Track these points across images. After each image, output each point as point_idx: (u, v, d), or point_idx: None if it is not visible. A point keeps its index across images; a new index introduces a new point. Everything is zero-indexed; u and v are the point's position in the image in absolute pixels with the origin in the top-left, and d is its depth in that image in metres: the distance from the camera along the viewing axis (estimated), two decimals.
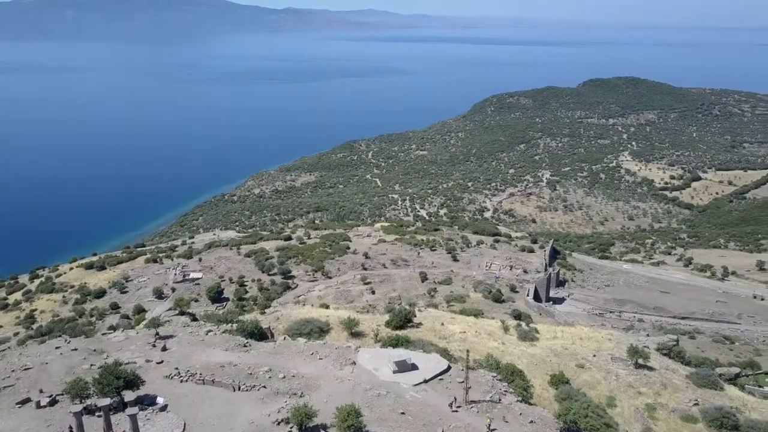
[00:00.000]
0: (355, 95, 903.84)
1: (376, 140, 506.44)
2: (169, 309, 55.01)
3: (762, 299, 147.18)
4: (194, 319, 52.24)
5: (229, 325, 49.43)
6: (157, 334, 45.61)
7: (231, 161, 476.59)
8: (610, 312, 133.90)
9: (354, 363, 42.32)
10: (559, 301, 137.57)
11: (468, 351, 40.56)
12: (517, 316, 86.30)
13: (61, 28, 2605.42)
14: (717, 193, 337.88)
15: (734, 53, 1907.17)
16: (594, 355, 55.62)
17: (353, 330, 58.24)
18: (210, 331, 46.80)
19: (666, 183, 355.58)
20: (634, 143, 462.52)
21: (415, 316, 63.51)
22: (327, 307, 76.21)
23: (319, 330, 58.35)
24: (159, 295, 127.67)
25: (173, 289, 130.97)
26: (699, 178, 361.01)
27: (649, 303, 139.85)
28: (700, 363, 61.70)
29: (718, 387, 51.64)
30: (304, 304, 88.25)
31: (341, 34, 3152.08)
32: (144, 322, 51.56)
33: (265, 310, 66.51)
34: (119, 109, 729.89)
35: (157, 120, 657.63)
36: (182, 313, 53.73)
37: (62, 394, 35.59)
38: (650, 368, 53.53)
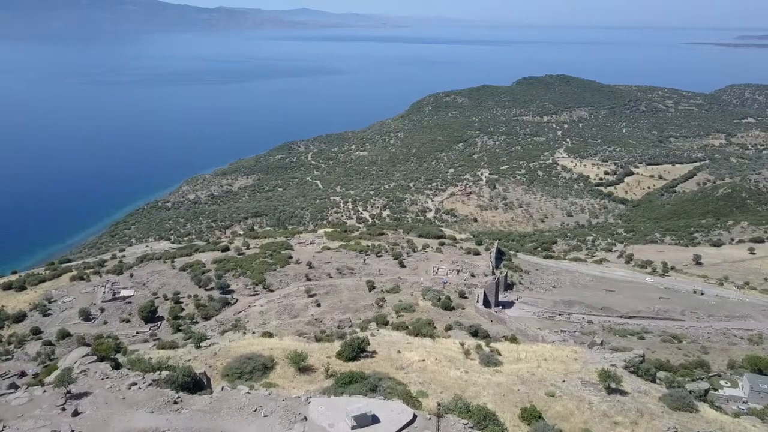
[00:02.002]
0: (291, 95, 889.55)
1: (314, 141, 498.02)
2: (86, 355, 47.32)
3: (702, 294, 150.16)
4: (116, 366, 45.21)
5: (157, 373, 42.70)
6: (68, 392, 38.36)
7: (164, 165, 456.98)
8: (560, 314, 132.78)
9: (305, 418, 36.47)
10: (508, 305, 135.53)
11: (439, 404, 35.48)
12: (474, 332, 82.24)
13: None
14: (649, 188, 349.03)
15: (659, 52, 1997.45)
16: (563, 381, 51.92)
17: (301, 365, 52.33)
18: (134, 384, 39.92)
19: (601, 179, 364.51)
20: (568, 140, 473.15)
21: (369, 344, 58.19)
22: (270, 335, 69.82)
23: (263, 367, 52.13)
24: (86, 316, 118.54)
25: (102, 310, 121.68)
26: (631, 173, 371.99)
27: (596, 303, 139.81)
28: (671, 382, 59.04)
29: (693, 409, 48.90)
30: (245, 332, 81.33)
31: (274, 33, 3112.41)
32: (55, 373, 44.07)
33: (201, 344, 59.81)
34: (36, 114, 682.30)
35: (82, 124, 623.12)
36: (101, 359, 46.32)
37: None
38: (623, 392, 50.22)
